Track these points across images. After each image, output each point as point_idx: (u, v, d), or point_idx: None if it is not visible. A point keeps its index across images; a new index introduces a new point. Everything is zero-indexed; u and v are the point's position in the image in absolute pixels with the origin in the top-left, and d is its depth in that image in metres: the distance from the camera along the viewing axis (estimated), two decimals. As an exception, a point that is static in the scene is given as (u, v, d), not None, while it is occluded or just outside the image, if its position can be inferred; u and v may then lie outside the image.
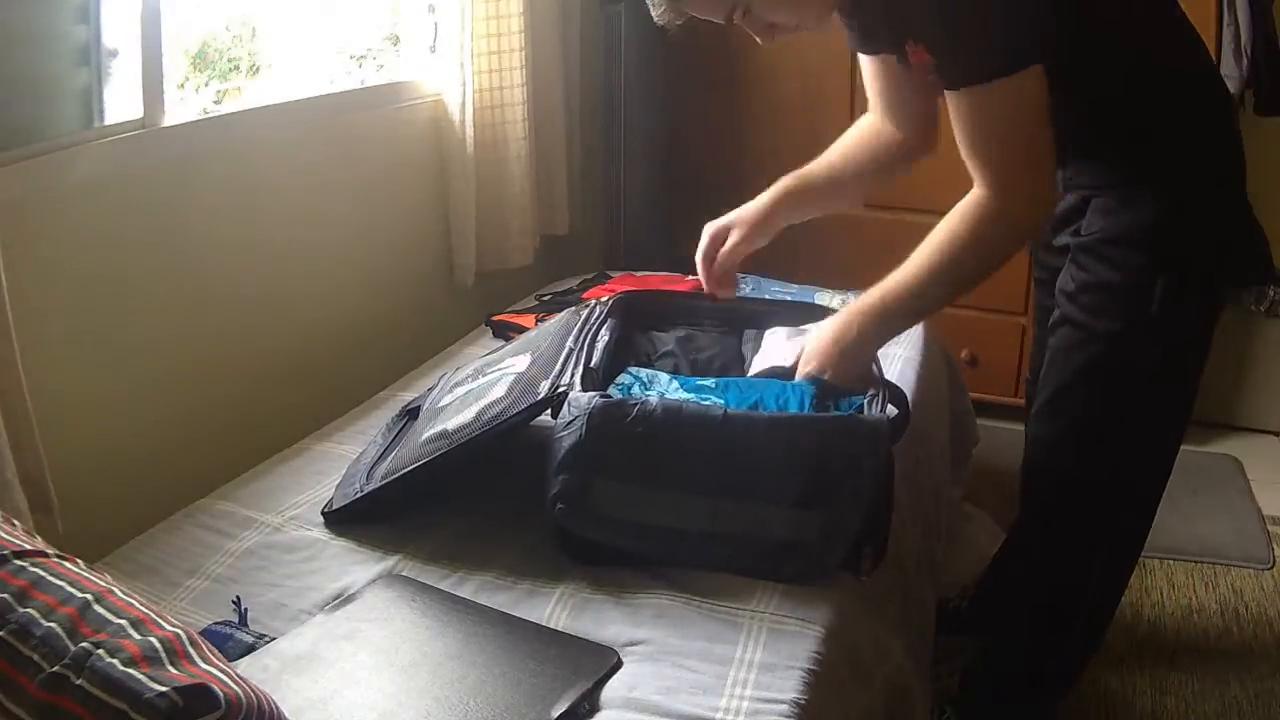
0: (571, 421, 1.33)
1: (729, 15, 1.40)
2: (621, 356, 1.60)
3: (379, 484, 1.44)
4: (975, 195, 1.33)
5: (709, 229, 1.63)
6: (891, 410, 1.39)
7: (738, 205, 1.65)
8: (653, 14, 1.40)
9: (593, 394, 1.35)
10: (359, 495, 1.44)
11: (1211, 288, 1.47)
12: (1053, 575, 1.60)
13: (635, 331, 1.70)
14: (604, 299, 1.70)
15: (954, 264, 1.36)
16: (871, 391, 1.44)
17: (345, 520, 1.45)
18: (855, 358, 1.44)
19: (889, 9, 1.36)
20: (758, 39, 1.45)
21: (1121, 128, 1.40)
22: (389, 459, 1.50)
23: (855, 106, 2.72)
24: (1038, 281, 1.68)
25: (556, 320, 1.69)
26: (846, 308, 1.47)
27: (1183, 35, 1.42)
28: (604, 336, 1.56)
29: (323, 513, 1.46)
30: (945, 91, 1.32)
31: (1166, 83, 1.39)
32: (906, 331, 2.13)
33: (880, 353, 1.92)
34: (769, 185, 1.66)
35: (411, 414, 1.66)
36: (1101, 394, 1.46)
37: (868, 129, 1.66)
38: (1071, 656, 1.66)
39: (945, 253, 1.36)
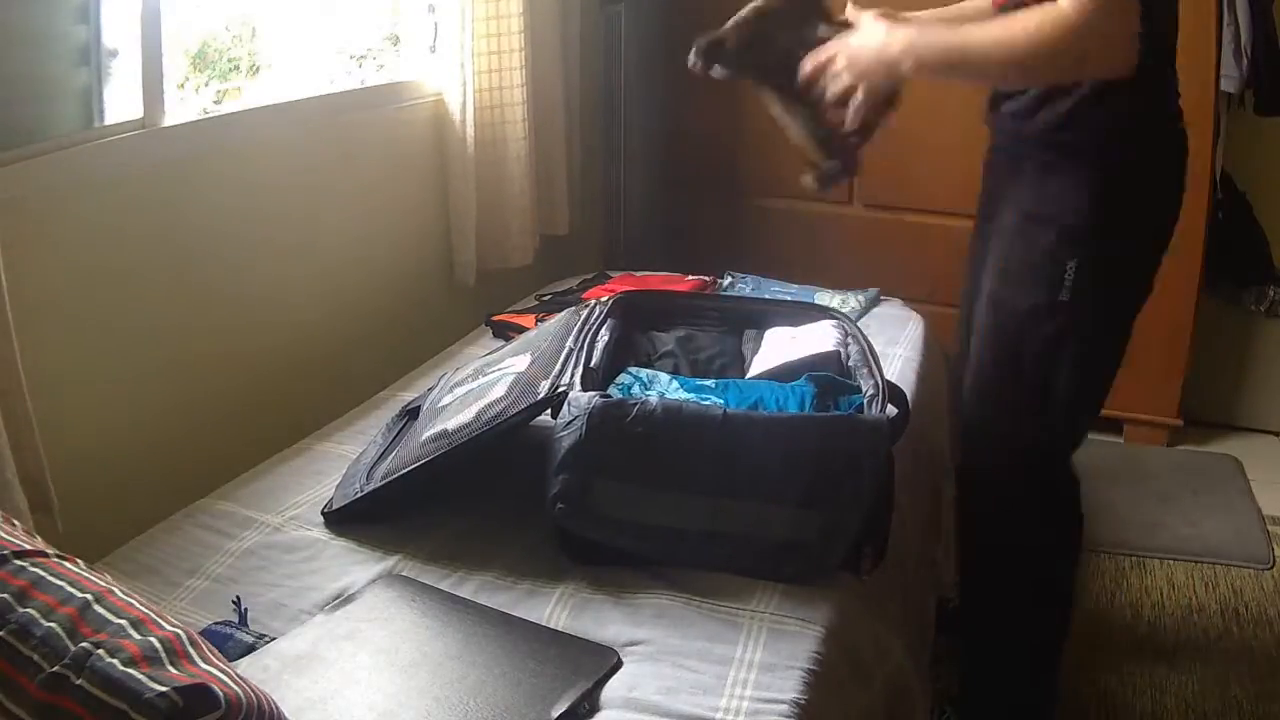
0: (571, 421, 1.33)
1: None
2: (621, 356, 1.60)
3: (379, 484, 1.44)
4: (1064, 8, 1.25)
5: None
6: (891, 410, 1.40)
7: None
8: None
9: (593, 394, 1.35)
10: (359, 495, 1.44)
11: (1131, 278, 1.48)
12: (1003, 549, 1.62)
13: (635, 331, 1.70)
14: (604, 299, 1.70)
15: (1024, 48, 1.28)
16: (871, 391, 1.44)
17: (345, 520, 1.45)
18: (882, 73, 1.38)
19: None
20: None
21: (1072, 93, 1.40)
22: (389, 459, 1.50)
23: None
24: (970, 257, 1.69)
25: (556, 320, 1.69)
26: (903, 24, 1.40)
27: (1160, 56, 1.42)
28: (604, 336, 1.56)
29: (323, 513, 1.46)
30: None
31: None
32: (907, 327, 2.14)
33: (880, 352, 1.93)
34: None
35: (411, 414, 1.66)
36: (1009, 367, 1.50)
37: None
38: (1046, 625, 1.66)
39: (1021, 32, 1.28)
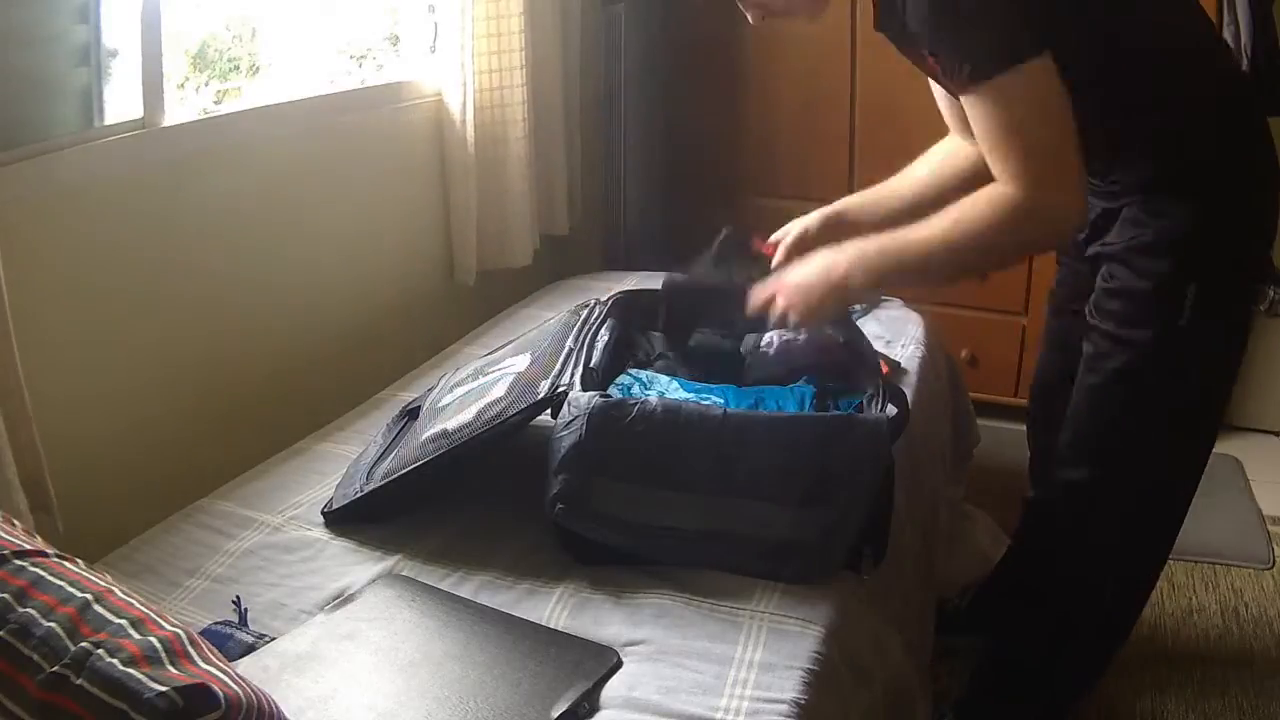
0: (571, 421, 1.33)
1: None
2: (621, 357, 1.60)
3: (379, 483, 1.44)
4: (1000, 188, 1.28)
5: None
6: (891, 410, 1.39)
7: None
8: None
9: (593, 394, 1.35)
10: (359, 495, 1.44)
11: (1242, 295, 1.45)
12: (1070, 584, 1.58)
13: (635, 332, 1.70)
14: (604, 298, 1.69)
15: (969, 243, 1.29)
16: (870, 391, 1.44)
17: (345, 520, 1.45)
18: (832, 299, 1.40)
19: (903, 17, 1.33)
20: (748, 15, 1.43)
21: (1149, 134, 1.38)
22: (389, 459, 1.50)
23: (855, 107, 2.72)
24: (1053, 295, 1.66)
25: (556, 320, 1.69)
26: (840, 248, 1.41)
27: (1204, 35, 1.41)
28: (603, 336, 1.56)
29: (323, 513, 1.46)
30: (960, 97, 1.30)
31: (1194, 87, 1.37)
32: (907, 327, 2.14)
33: (880, 353, 1.92)
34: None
35: (411, 414, 1.65)
36: (1134, 402, 1.45)
37: (946, 146, 1.64)
38: (1083, 666, 1.65)
39: (963, 229, 1.29)
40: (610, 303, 1.67)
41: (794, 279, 1.41)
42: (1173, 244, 1.37)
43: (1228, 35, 2.44)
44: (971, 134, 1.43)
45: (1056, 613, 1.60)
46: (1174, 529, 1.56)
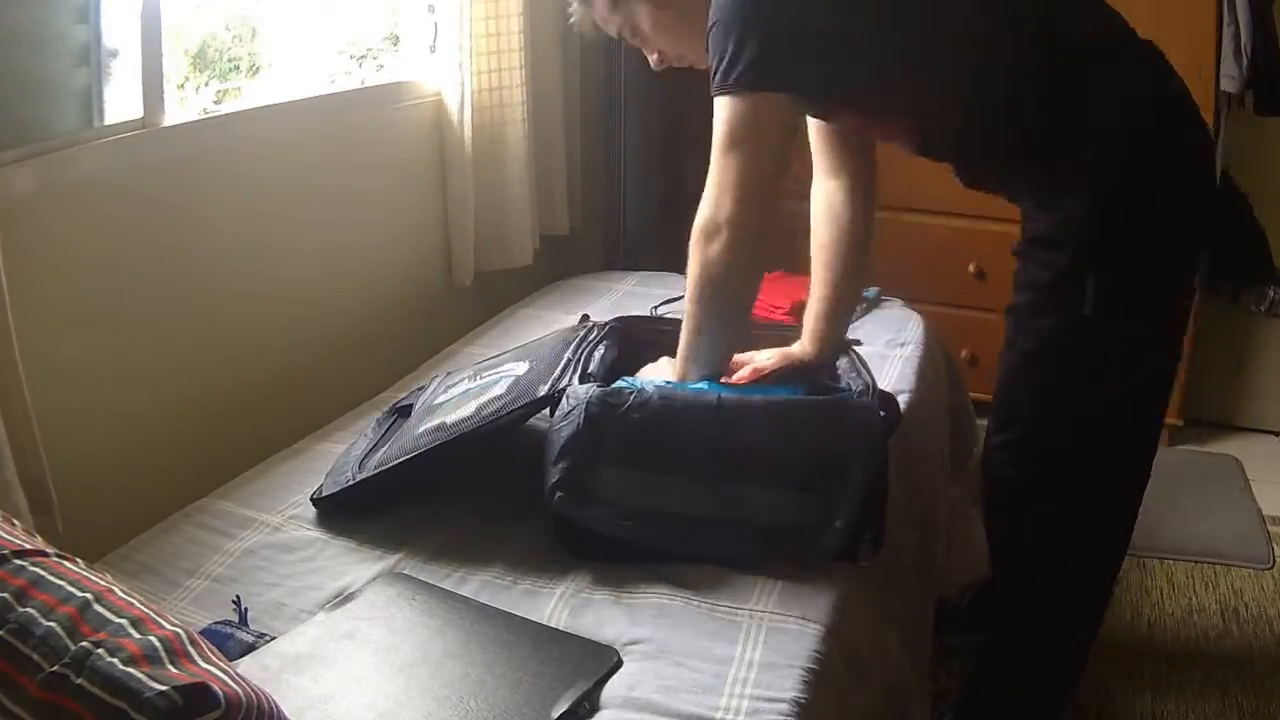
0: (570, 412, 1.34)
1: (619, 33, 1.48)
2: (617, 373, 1.60)
3: (372, 472, 1.44)
4: (696, 221, 1.37)
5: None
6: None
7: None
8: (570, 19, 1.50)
9: (590, 385, 1.37)
10: (351, 483, 1.44)
11: (1164, 290, 1.45)
12: (1030, 581, 1.59)
13: (628, 355, 1.70)
14: (602, 323, 1.70)
15: (699, 296, 1.39)
16: (860, 388, 1.45)
17: (335, 509, 1.45)
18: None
19: None
20: (650, 61, 1.52)
21: (1039, 140, 1.41)
22: (381, 451, 1.50)
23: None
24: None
25: (552, 335, 1.70)
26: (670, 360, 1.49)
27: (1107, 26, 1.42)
28: (600, 351, 1.57)
29: (312, 499, 1.46)
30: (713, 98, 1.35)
31: (1082, 86, 1.38)
32: (907, 326, 2.14)
33: (879, 354, 1.93)
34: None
35: (401, 412, 1.66)
36: (1041, 388, 1.49)
37: (823, 220, 1.67)
38: (1065, 657, 1.65)
39: (692, 288, 1.39)
40: (606, 327, 1.68)
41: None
42: (1068, 235, 1.40)
43: (1227, 35, 2.44)
44: (835, 151, 1.61)
45: (1028, 609, 1.61)
46: (1115, 526, 1.57)
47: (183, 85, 2.01)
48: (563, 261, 2.75)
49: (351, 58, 2.42)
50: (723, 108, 1.33)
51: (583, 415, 1.32)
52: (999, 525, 1.64)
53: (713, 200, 1.35)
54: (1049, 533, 1.54)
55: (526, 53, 2.42)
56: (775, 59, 1.30)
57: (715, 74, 1.34)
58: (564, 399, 1.36)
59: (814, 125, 1.63)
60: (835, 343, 1.66)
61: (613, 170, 2.97)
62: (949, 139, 1.46)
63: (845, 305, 1.69)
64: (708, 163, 1.36)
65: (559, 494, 1.33)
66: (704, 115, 1.38)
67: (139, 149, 1.70)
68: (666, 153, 3.02)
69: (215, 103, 2.07)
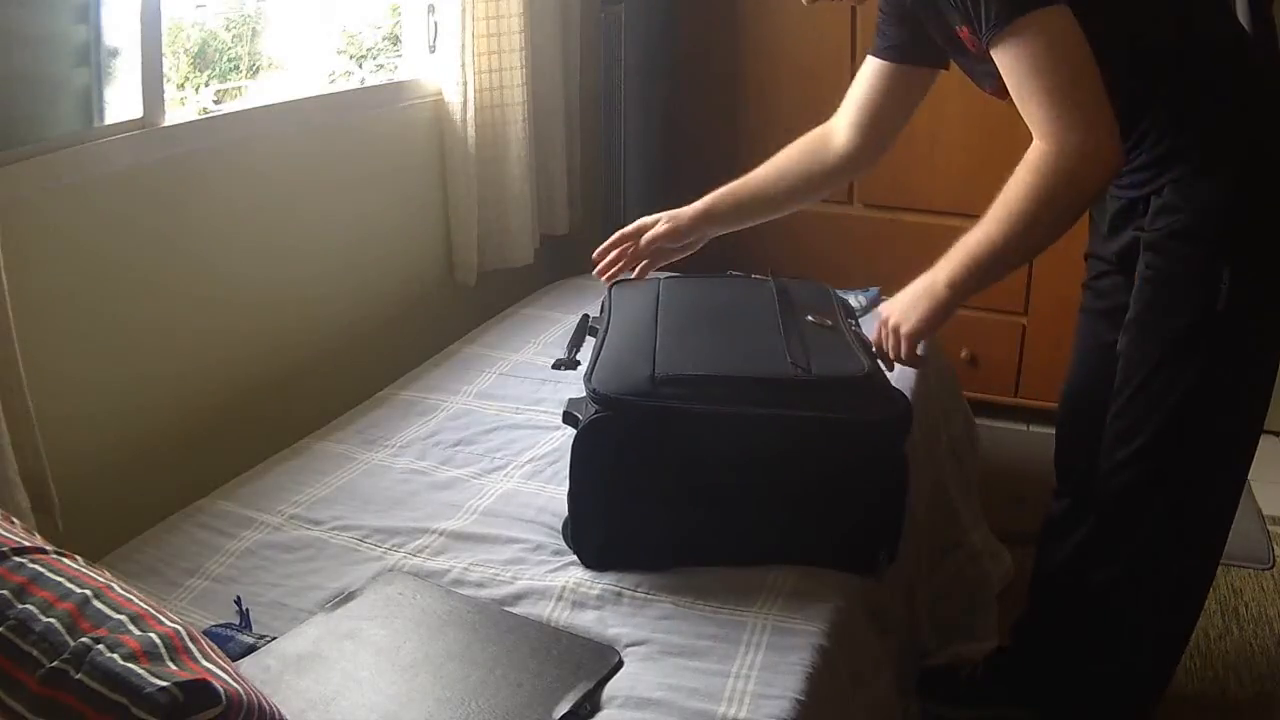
0: (585, 423, 1.32)
1: None
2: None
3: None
4: (1037, 147, 1.28)
5: (639, 221, 1.69)
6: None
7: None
8: None
9: (594, 409, 1.34)
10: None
11: None
12: (1127, 584, 1.52)
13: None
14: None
15: (1029, 220, 1.29)
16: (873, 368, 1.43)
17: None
18: (939, 311, 1.39)
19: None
20: None
21: (1176, 116, 1.37)
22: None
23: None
24: (1086, 286, 1.63)
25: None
26: (933, 268, 1.41)
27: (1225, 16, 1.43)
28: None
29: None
30: (993, 56, 1.30)
31: (1219, 66, 1.37)
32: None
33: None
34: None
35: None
36: (1176, 390, 1.42)
37: (809, 143, 1.67)
38: (1145, 678, 1.59)
39: (1018, 209, 1.30)
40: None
41: (900, 301, 1.42)
42: (1206, 225, 1.35)
43: (1227, 35, 2.44)
44: (865, 122, 1.58)
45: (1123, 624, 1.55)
46: (1224, 532, 1.51)
47: (183, 85, 2.01)
48: (563, 261, 2.74)
49: (351, 58, 2.42)
50: (1011, 45, 1.26)
51: (593, 429, 1.30)
52: (1112, 532, 1.55)
53: (1054, 134, 1.26)
54: (1168, 546, 1.49)
55: (527, 53, 2.42)
56: None
57: (983, 21, 1.27)
58: (584, 404, 1.34)
59: (870, 77, 1.60)
60: (718, 220, 1.68)
61: (612, 170, 2.97)
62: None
63: (757, 206, 1.69)
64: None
65: (570, 507, 1.32)
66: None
67: (139, 149, 1.70)
68: (666, 153, 3.02)
69: (215, 103, 2.07)
